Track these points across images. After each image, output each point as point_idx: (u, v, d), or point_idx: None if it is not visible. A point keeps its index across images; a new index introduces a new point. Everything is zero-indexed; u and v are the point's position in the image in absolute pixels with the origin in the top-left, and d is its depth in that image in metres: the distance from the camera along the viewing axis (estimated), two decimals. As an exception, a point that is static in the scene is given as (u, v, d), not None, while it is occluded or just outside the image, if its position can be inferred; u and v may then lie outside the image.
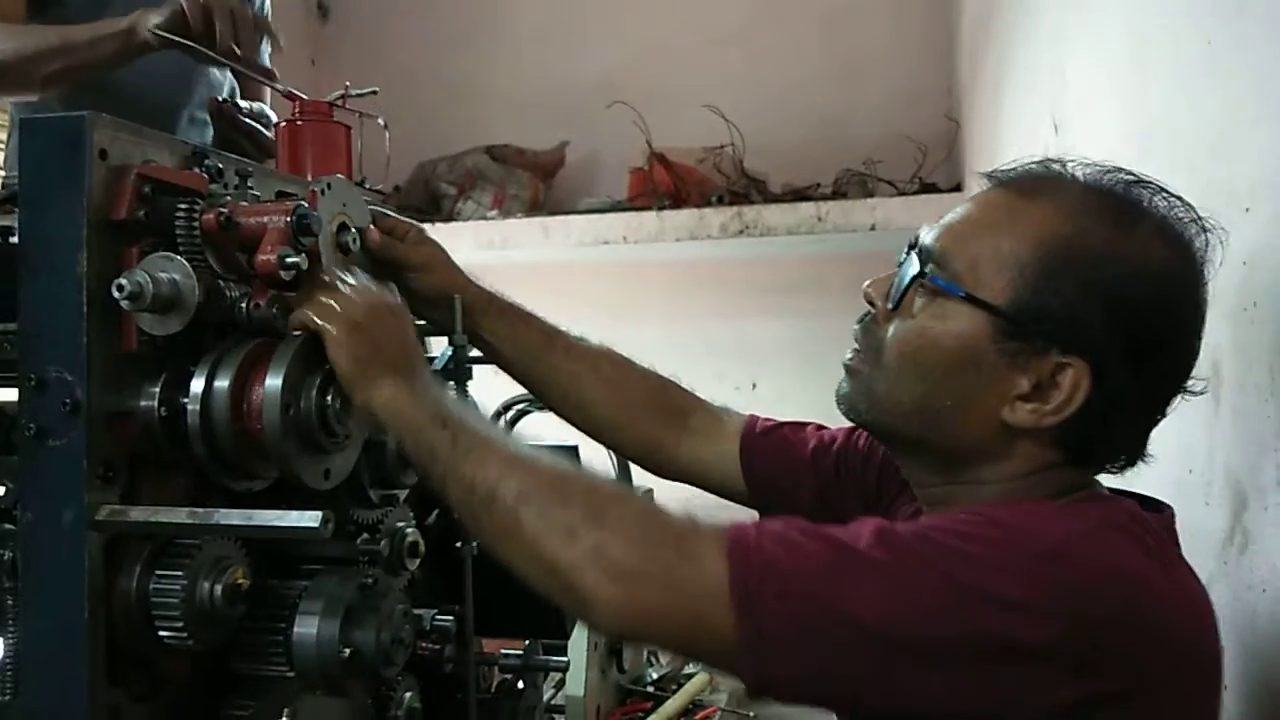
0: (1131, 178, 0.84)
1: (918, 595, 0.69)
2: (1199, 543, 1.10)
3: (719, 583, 0.70)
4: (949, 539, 0.72)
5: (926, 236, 0.87)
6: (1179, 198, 0.83)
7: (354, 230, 0.96)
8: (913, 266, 0.85)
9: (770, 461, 1.10)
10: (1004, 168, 0.88)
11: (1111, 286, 0.78)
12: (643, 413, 1.13)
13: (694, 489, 1.16)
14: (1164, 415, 0.84)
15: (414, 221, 1.10)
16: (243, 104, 1.44)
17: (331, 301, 0.88)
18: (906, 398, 0.84)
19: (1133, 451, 0.86)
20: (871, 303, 0.89)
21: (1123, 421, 0.82)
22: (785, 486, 1.09)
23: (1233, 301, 1.00)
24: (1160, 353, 0.80)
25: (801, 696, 0.74)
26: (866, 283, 0.90)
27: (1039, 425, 0.80)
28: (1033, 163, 0.87)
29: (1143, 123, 1.36)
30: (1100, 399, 0.79)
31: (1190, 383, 0.83)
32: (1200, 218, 0.83)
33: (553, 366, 1.12)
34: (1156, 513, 0.83)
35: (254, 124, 1.47)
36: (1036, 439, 0.82)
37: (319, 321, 0.87)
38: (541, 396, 1.16)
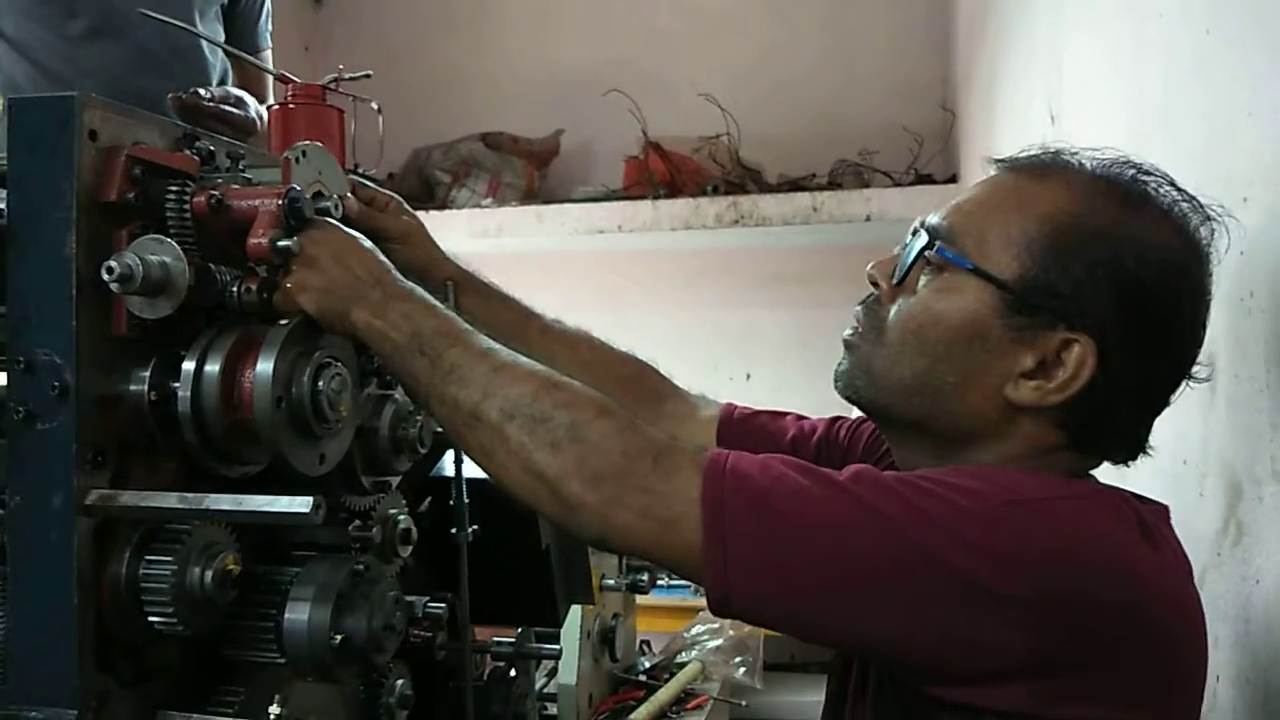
0: (1138, 167, 0.84)
1: (886, 523, 0.71)
2: (1193, 534, 1.10)
3: (691, 493, 0.73)
4: (924, 480, 0.74)
5: (933, 216, 0.87)
6: (1184, 190, 0.83)
7: (333, 198, 0.93)
8: (920, 241, 0.85)
9: (747, 449, 1.08)
10: (1013, 155, 0.89)
11: (1119, 265, 0.78)
12: (619, 395, 1.08)
13: None
14: (1167, 404, 0.84)
15: (393, 193, 1.09)
16: (203, 91, 1.42)
17: (296, 250, 0.85)
18: (908, 373, 0.84)
19: (1134, 443, 0.85)
20: (875, 284, 0.89)
21: (1126, 404, 0.82)
22: None
23: (1229, 291, 0.99)
24: (1165, 336, 0.80)
25: (762, 615, 0.76)
26: (870, 264, 0.90)
27: (1042, 403, 0.80)
28: (1041, 150, 0.88)
29: (1140, 113, 1.36)
30: (1104, 378, 0.79)
31: (1195, 369, 0.83)
32: (1205, 207, 0.83)
33: (528, 346, 1.08)
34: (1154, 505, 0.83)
35: (223, 108, 1.46)
36: (1038, 418, 0.81)
37: (286, 283, 0.85)
38: None
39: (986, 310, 0.81)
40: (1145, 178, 0.83)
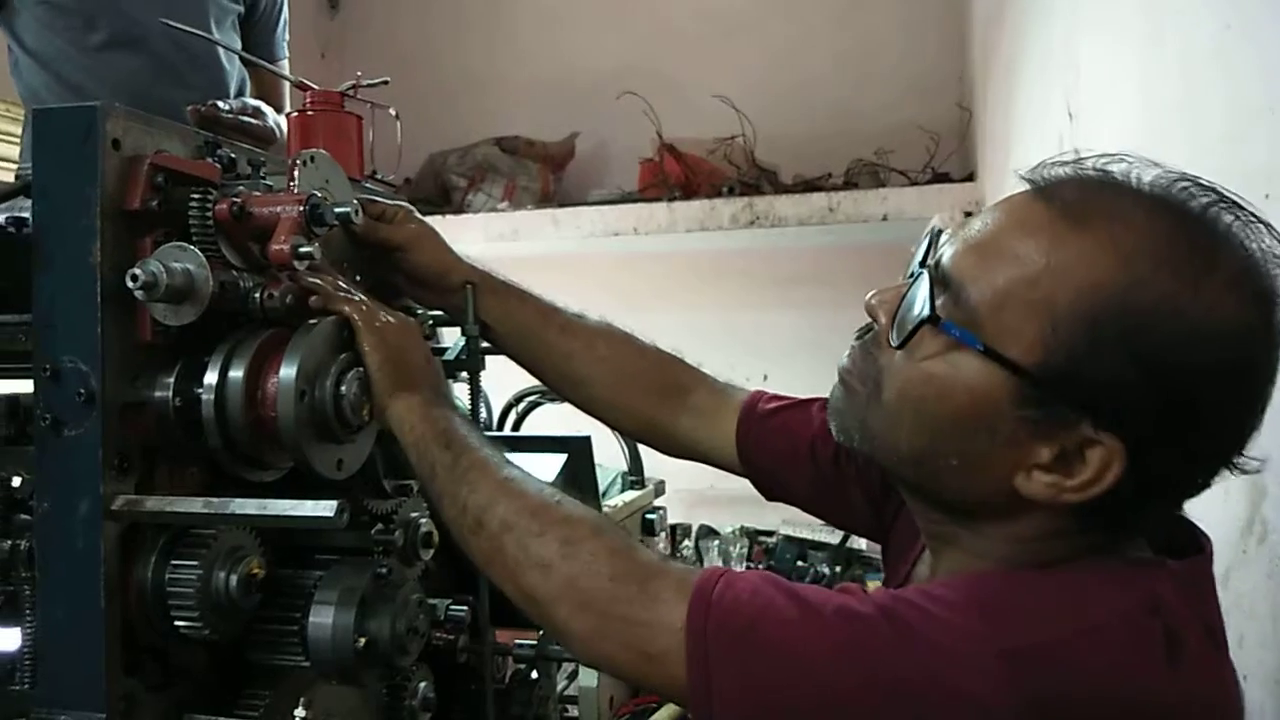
0: (1208, 195, 0.68)
1: (869, 660, 0.65)
2: (1218, 532, 1.09)
3: (675, 624, 0.70)
4: (917, 619, 0.66)
5: (946, 250, 0.73)
6: (1263, 222, 0.68)
7: (353, 204, 0.94)
8: (922, 298, 0.71)
9: (766, 448, 1.04)
10: (1051, 168, 0.73)
11: (1166, 356, 0.64)
12: (639, 392, 1.09)
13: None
14: (1209, 487, 0.72)
15: (402, 203, 1.08)
16: (221, 103, 1.44)
17: (368, 306, 0.91)
18: (905, 446, 0.74)
19: (1164, 524, 0.74)
20: (876, 317, 0.77)
21: (1157, 500, 0.71)
22: (781, 475, 1.04)
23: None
24: (1214, 430, 0.68)
25: None
26: (871, 294, 0.78)
27: (1056, 500, 0.69)
28: (1087, 165, 0.72)
29: (1158, 109, 1.35)
30: (1133, 480, 0.66)
31: (1241, 460, 0.69)
32: None
33: (547, 344, 1.08)
34: (1197, 552, 0.73)
35: (242, 118, 1.47)
36: (1051, 509, 0.70)
37: (356, 319, 0.89)
38: (538, 375, 1.13)
39: (999, 395, 0.68)
40: (1216, 213, 0.67)
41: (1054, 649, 0.64)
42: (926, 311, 0.70)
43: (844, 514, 1.04)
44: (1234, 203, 0.68)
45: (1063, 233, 0.67)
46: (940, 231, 0.77)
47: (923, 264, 0.74)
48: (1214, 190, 0.68)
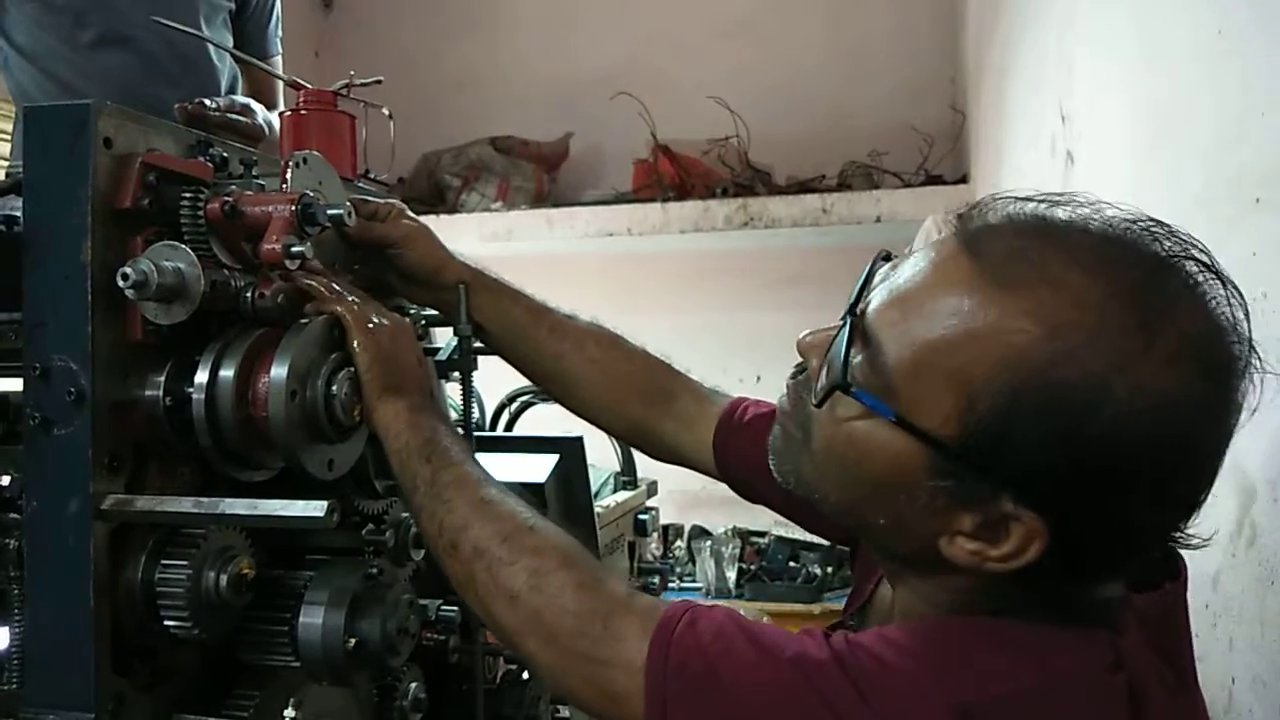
0: (1159, 244, 0.63)
1: (826, 708, 0.63)
2: (1207, 536, 1.10)
3: (636, 663, 0.69)
4: (872, 667, 0.64)
5: (873, 299, 0.69)
6: (1223, 278, 0.63)
7: (346, 206, 0.94)
8: (840, 357, 0.67)
9: (742, 457, 1.02)
10: (990, 210, 0.67)
11: (1090, 437, 0.60)
12: (627, 395, 1.09)
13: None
14: (1150, 555, 0.69)
15: (395, 201, 1.08)
16: (208, 101, 1.43)
17: (360, 307, 0.90)
18: (834, 498, 0.73)
19: (1107, 584, 0.69)
20: (807, 359, 0.74)
21: (1090, 572, 0.67)
22: (759, 484, 1.02)
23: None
24: (1149, 509, 0.64)
25: None
26: (804, 333, 0.75)
27: (980, 569, 0.66)
28: (1025, 210, 0.66)
29: (1152, 113, 1.35)
30: (1059, 555, 0.63)
31: (1184, 536, 0.66)
32: (1244, 320, 0.63)
33: (538, 344, 1.08)
34: (1173, 576, 0.71)
35: (229, 116, 1.47)
36: (982, 573, 0.67)
37: (347, 319, 0.89)
38: (527, 374, 1.13)
39: (914, 465, 0.65)
40: (1169, 278, 0.62)
41: (1008, 703, 0.62)
42: (839, 378, 0.67)
43: (817, 522, 1.03)
44: (1190, 253, 0.63)
45: (987, 296, 0.63)
46: (884, 258, 0.73)
47: (851, 309, 0.70)
48: (1171, 236, 0.63)
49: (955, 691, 0.62)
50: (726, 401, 1.08)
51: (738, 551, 3.35)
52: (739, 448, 1.03)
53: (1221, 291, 0.63)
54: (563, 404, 1.13)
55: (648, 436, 1.11)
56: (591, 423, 1.13)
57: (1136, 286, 0.61)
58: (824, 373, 0.71)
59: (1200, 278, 0.63)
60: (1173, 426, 0.60)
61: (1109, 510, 0.62)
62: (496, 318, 1.07)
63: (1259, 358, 0.63)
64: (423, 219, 1.08)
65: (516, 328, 1.07)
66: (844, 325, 0.69)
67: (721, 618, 0.70)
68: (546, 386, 1.13)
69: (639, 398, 1.09)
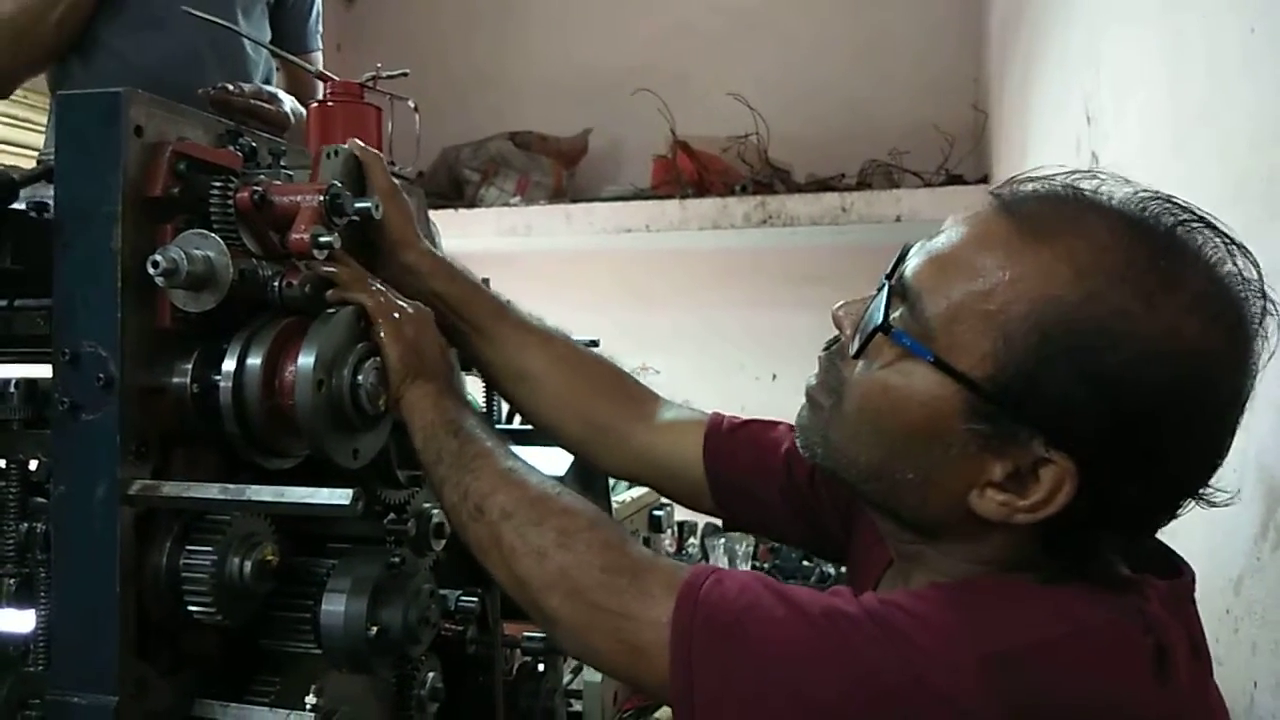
0: (1178, 214, 0.67)
1: (853, 673, 0.64)
2: (1230, 540, 1.09)
3: (661, 619, 0.70)
4: (903, 621, 0.65)
5: (910, 263, 0.72)
6: (1238, 244, 0.66)
7: (374, 199, 0.94)
8: (880, 309, 0.71)
9: (738, 462, 1.01)
10: (1019, 183, 0.72)
11: (1116, 374, 0.63)
12: (594, 393, 1.05)
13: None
14: (1174, 517, 0.70)
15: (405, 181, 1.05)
16: (231, 86, 1.43)
17: (386, 296, 0.91)
18: (864, 459, 0.73)
19: (1129, 553, 0.72)
20: (841, 328, 0.77)
21: (1116, 527, 0.69)
22: (756, 492, 1.00)
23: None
24: (1172, 454, 0.65)
25: None
26: (838, 304, 0.78)
27: (1009, 520, 0.68)
28: (1055, 182, 0.71)
29: (1180, 113, 1.34)
30: (1088, 502, 0.65)
31: (1208, 491, 0.68)
32: (1259, 283, 0.66)
33: (501, 336, 1.04)
34: (1175, 575, 0.72)
35: (253, 102, 1.47)
36: (1009, 530, 0.69)
37: (374, 309, 0.90)
38: (484, 368, 1.07)
39: (950, 409, 0.67)
40: (1187, 240, 0.66)
41: (1037, 653, 0.63)
42: (880, 321, 0.70)
43: (809, 528, 1.00)
44: (1208, 224, 0.67)
45: (1021, 246, 0.66)
46: (910, 247, 0.76)
47: (888, 277, 0.73)
48: (1189, 210, 0.67)
49: (987, 642, 0.63)
50: (703, 414, 1.06)
51: (751, 550, 3.34)
52: (735, 451, 1.01)
53: (1241, 261, 0.66)
54: (517, 403, 1.08)
55: (614, 440, 1.05)
56: (544, 425, 1.07)
57: (1160, 241, 0.65)
58: (859, 328, 0.74)
59: (1219, 241, 0.66)
60: (1194, 371, 0.64)
61: (1134, 453, 0.64)
62: (458, 305, 1.03)
63: (1275, 315, 0.66)
64: (441, 213, 1.08)
65: (479, 318, 1.04)
66: (881, 288, 0.72)
67: (747, 578, 0.71)
68: (502, 384, 1.07)
69: (608, 396, 1.05)
